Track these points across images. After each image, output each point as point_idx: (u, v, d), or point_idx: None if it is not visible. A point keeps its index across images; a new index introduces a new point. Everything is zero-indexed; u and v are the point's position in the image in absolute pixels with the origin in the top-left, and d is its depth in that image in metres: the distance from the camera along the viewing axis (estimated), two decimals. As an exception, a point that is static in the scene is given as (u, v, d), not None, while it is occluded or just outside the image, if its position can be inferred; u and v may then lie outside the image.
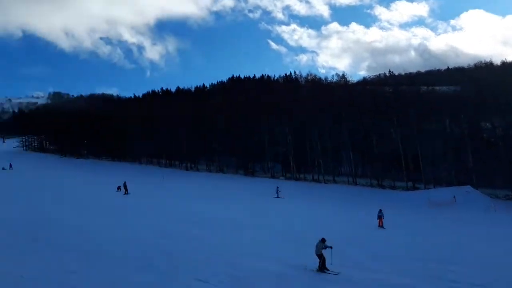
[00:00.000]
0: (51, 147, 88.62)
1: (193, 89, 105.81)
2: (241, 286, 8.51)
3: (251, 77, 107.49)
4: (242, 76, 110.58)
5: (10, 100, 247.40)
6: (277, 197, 31.70)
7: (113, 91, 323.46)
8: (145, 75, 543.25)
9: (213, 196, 30.72)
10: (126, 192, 28.07)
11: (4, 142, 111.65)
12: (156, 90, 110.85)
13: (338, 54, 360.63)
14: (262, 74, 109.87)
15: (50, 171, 49.72)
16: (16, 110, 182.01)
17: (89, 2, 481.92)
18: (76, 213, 17.59)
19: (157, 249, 11.20)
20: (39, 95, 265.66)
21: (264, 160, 54.61)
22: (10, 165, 50.46)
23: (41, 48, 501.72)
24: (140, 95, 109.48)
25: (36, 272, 8.07)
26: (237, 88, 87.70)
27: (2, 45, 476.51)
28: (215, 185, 40.11)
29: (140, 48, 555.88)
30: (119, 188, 28.74)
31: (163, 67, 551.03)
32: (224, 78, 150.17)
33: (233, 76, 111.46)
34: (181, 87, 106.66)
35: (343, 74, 76.94)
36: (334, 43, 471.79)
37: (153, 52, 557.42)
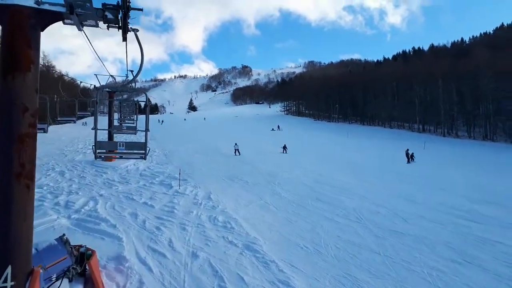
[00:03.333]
0: (306, 111, 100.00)
1: (449, 45, 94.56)
2: None
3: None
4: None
5: (274, 71, 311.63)
6: None
7: (355, 57, 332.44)
8: (384, 39, 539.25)
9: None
10: (412, 159, 26.10)
11: (270, 107, 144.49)
12: (407, 50, 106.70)
13: None
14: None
15: (306, 133, 54.69)
16: (279, 80, 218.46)
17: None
18: (358, 180, 16.36)
19: (469, 236, 8.62)
20: (296, 65, 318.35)
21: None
22: (278, 127, 60.31)
23: (293, 23, 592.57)
24: (389, 57, 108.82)
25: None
26: (509, 37, 68.62)
27: (265, 26, 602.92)
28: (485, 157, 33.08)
29: (382, 13, 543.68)
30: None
31: (404, 30, 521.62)
32: (490, 28, 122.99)
33: (502, 25, 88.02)
34: (435, 44, 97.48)
35: None
36: None
37: (395, 15, 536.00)
